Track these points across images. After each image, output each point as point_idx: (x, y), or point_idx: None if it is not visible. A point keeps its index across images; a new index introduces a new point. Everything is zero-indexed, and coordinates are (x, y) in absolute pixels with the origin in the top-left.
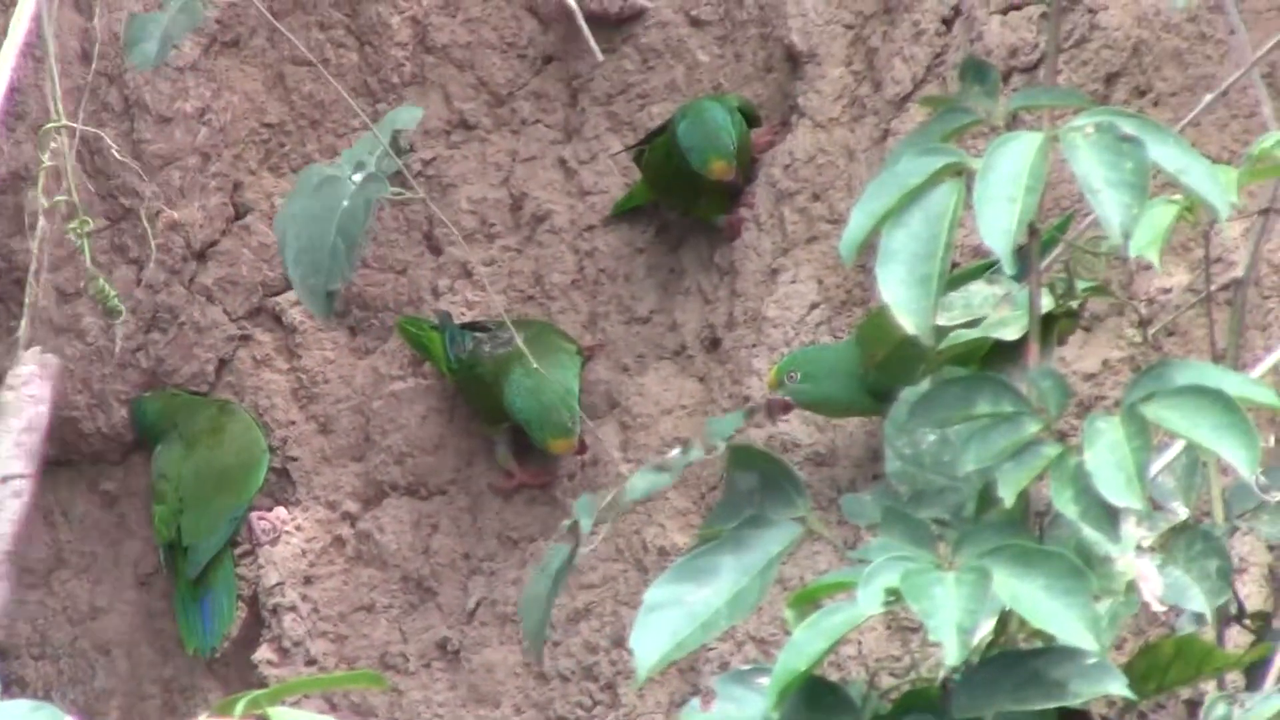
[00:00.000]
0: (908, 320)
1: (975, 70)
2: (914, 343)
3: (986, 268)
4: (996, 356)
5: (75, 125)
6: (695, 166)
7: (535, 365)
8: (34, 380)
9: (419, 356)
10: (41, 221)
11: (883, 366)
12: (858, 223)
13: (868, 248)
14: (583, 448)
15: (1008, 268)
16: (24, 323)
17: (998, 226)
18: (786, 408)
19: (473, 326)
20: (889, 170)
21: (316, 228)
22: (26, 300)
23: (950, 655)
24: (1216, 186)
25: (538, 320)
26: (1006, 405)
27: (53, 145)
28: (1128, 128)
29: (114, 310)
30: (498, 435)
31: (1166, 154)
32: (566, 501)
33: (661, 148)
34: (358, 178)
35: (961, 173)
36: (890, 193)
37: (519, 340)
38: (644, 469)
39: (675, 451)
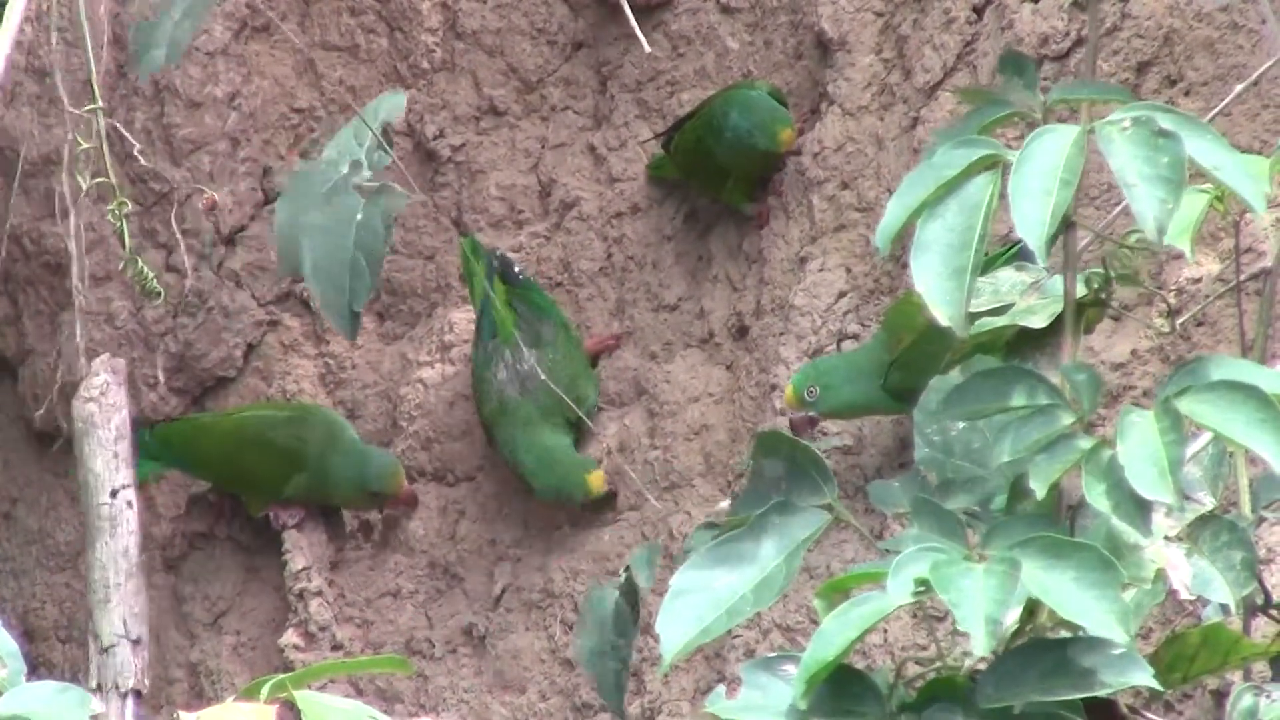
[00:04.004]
0: (940, 311)
1: (1015, 63)
2: (938, 332)
3: (1011, 251)
4: (1022, 343)
5: (98, 107)
6: (763, 146)
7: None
8: (111, 388)
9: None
10: (73, 217)
11: (903, 365)
12: (893, 214)
13: (900, 238)
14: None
15: (1041, 260)
16: (78, 327)
17: (1032, 218)
18: (813, 423)
19: (506, 265)
20: (926, 162)
21: (333, 241)
22: (76, 304)
23: (979, 646)
24: (1252, 182)
25: (567, 337)
26: (1041, 398)
27: (93, 128)
28: (1165, 122)
29: (153, 292)
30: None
31: (1203, 149)
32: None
33: (692, 133)
34: (358, 179)
35: (998, 165)
36: (926, 184)
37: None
38: (700, 527)
39: (725, 504)
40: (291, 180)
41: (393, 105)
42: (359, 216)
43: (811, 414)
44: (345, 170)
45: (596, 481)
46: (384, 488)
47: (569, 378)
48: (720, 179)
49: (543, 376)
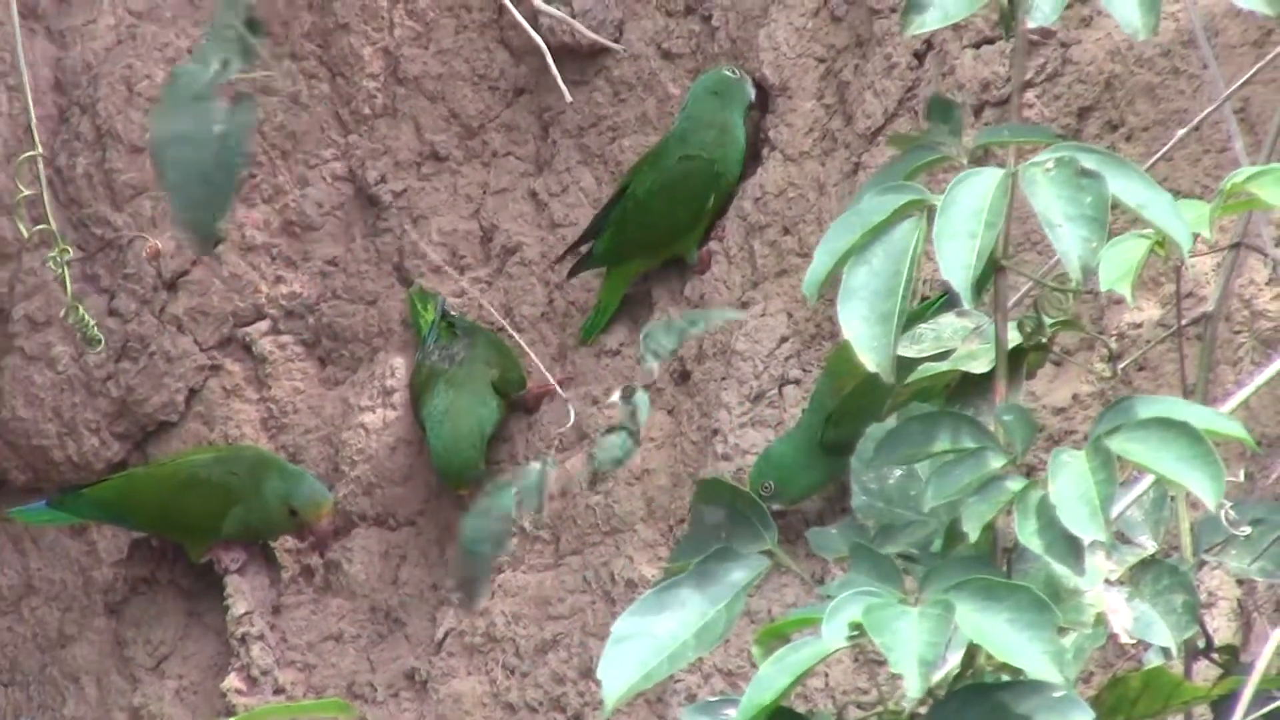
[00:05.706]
0: (868, 357)
1: (940, 107)
2: (878, 381)
3: (944, 297)
4: (965, 389)
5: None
6: (729, 75)
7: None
8: None
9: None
10: None
11: (839, 420)
12: (820, 261)
13: (835, 284)
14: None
15: (967, 302)
16: None
17: (957, 261)
18: (780, 514)
19: (445, 317)
20: (852, 209)
21: (193, 155)
22: None
23: (912, 688)
24: (1178, 220)
25: (494, 338)
26: (970, 441)
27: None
28: (1088, 162)
29: (94, 339)
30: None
31: (1128, 188)
32: (533, 532)
33: (640, 197)
34: (227, 76)
35: (924, 209)
36: (852, 230)
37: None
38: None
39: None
40: (166, 87)
41: None
42: (217, 129)
43: (775, 507)
44: (214, 69)
45: (466, 487)
46: (303, 510)
47: (498, 358)
48: (693, 216)
49: (468, 351)
